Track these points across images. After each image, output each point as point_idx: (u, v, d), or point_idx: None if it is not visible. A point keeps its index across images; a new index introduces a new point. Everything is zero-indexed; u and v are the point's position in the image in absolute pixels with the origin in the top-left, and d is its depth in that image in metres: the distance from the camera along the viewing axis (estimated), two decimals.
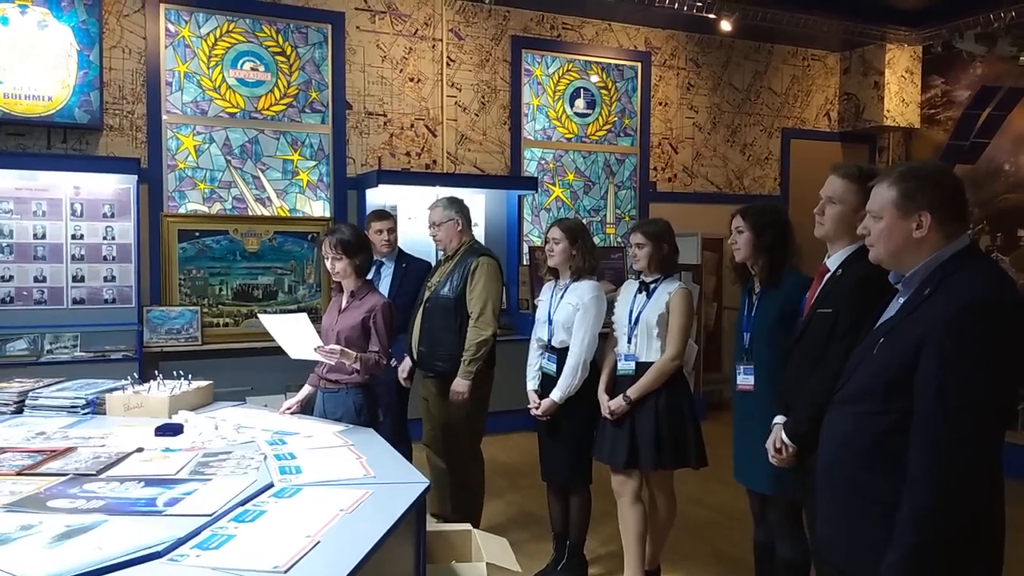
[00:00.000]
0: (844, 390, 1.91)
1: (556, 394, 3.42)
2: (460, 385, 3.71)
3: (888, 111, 8.13)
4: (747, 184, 8.24)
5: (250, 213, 6.16)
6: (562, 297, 3.51)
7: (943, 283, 1.74)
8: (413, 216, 6.19)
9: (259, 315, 3.39)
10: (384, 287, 4.24)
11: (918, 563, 1.63)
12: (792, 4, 7.21)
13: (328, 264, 3.31)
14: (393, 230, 4.37)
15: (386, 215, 4.42)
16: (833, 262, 2.47)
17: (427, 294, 3.92)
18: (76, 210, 5.46)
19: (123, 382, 3.31)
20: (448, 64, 6.83)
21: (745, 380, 2.90)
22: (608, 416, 3.30)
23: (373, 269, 4.11)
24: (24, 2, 5.33)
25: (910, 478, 1.66)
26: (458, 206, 3.93)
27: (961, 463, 1.62)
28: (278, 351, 3.33)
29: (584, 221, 6.46)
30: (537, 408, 3.49)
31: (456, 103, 6.88)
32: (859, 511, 1.82)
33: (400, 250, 4.45)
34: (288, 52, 6.31)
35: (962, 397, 1.62)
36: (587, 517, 3.60)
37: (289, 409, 3.27)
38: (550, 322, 3.53)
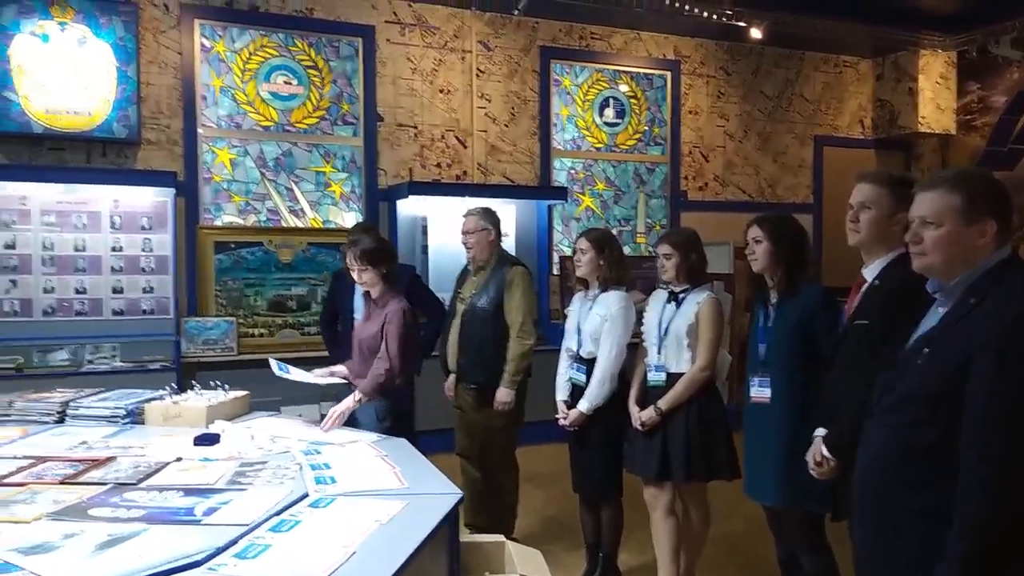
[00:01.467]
0: (884, 401, 1.88)
1: (584, 405, 3.42)
2: (505, 395, 3.75)
3: (923, 117, 8.02)
4: (780, 192, 8.17)
5: (284, 225, 6.25)
6: (591, 308, 3.52)
7: (990, 293, 1.70)
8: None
9: (270, 359, 3.48)
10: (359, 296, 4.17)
11: (973, 570, 1.60)
12: (823, 11, 7.15)
13: (355, 276, 3.32)
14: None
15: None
16: (870, 272, 2.43)
17: (462, 306, 3.94)
18: (115, 223, 5.57)
19: (161, 392, 3.36)
20: (477, 75, 6.87)
21: (760, 392, 2.87)
22: (639, 427, 3.29)
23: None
24: (64, 20, 5.47)
25: (964, 485, 1.63)
26: (492, 217, 3.97)
27: (1017, 469, 1.60)
28: (313, 361, 3.38)
29: (614, 231, 6.47)
30: (566, 419, 3.49)
31: (486, 114, 6.92)
32: (890, 521, 1.79)
33: None
34: (320, 65, 6.40)
35: (1016, 403, 1.60)
36: (619, 528, 3.58)
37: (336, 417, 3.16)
38: (579, 333, 3.53)
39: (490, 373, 3.78)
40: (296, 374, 3.44)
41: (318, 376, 3.48)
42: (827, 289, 2.86)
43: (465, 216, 4.01)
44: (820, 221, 8.18)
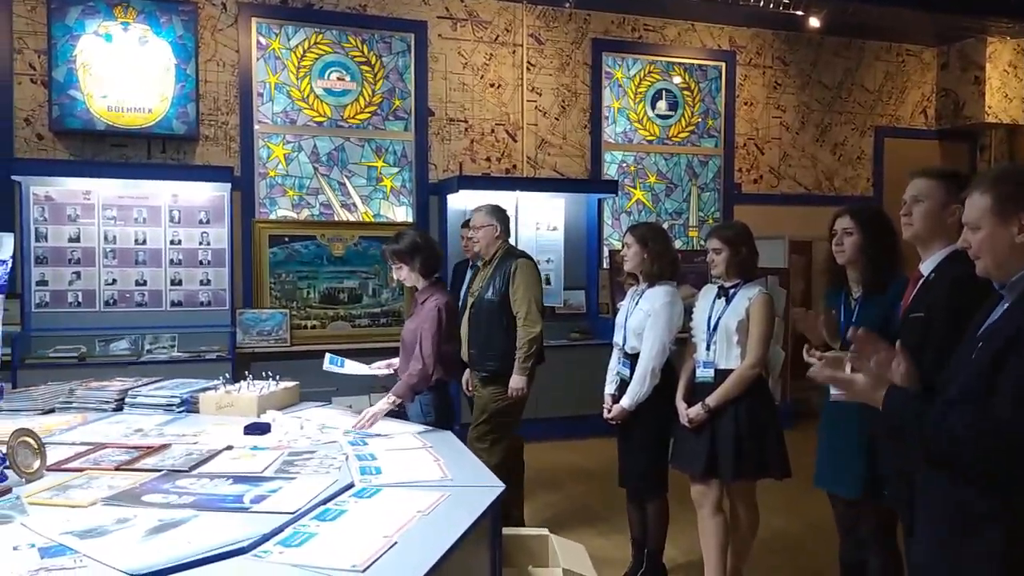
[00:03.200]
0: (944, 394, 1.82)
1: (626, 401, 3.40)
2: (518, 382, 3.87)
3: (990, 107, 7.74)
4: (838, 185, 7.98)
5: (336, 219, 6.33)
6: (637, 303, 3.49)
7: None
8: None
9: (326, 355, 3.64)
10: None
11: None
12: None
13: (395, 275, 3.44)
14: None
15: (467, 223, 4.64)
16: (927, 267, 2.37)
17: (471, 300, 4.08)
18: (174, 217, 5.72)
19: (215, 382, 3.45)
20: (528, 69, 6.86)
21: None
22: (687, 424, 3.25)
23: (471, 272, 4.42)
24: (126, 20, 5.63)
25: (969, 421, 1.62)
26: (499, 214, 4.10)
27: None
28: (363, 353, 3.44)
29: (665, 225, 6.40)
30: (610, 412, 3.47)
31: (536, 107, 6.90)
32: (944, 520, 1.74)
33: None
34: (373, 61, 6.46)
35: None
36: (665, 525, 3.54)
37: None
38: (625, 328, 3.51)
39: (499, 361, 3.92)
40: (351, 367, 3.54)
41: (375, 368, 3.60)
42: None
43: (472, 212, 4.16)
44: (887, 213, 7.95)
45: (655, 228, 3.58)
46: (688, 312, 3.49)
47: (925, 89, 8.26)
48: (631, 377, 3.41)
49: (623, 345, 3.50)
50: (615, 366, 3.59)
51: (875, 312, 2.71)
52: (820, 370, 1.90)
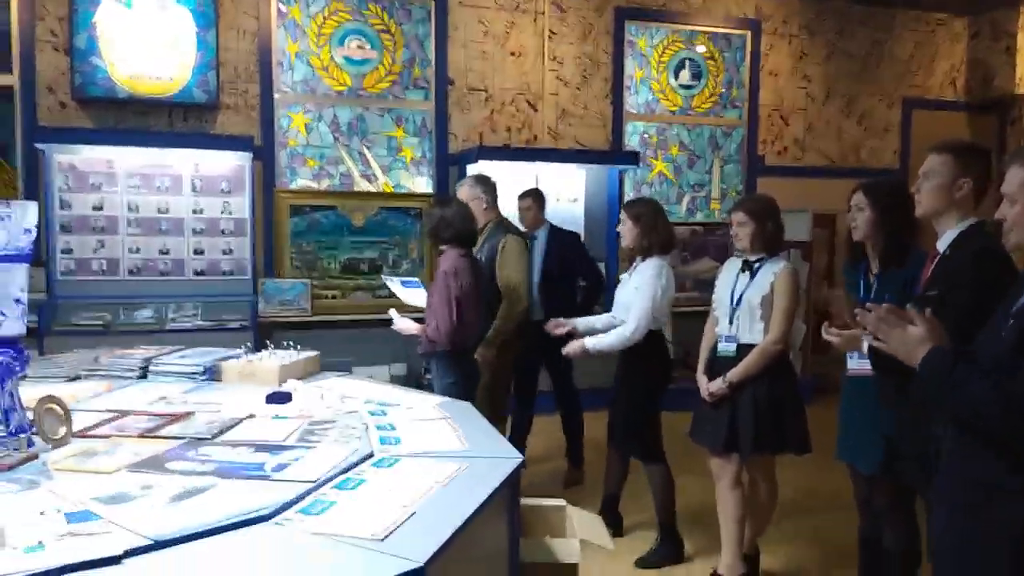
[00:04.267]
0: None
1: (589, 342, 3.55)
2: (483, 350, 3.84)
3: (1021, 79, 7.56)
4: (863, 157, 7.86)
5: (356, 189, 6.33)
6: (629, 277, 3.60)
7: None
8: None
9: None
10: (537, 256, 4.60)
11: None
12: None
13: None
14: (530, 208, 4.69)
15: (523, 195, 4.77)
16: (942, 243, 2.34)
17: None
18: (196, 186, 5.74)
19: (238, 351, 3.47)
20: (550, 37, 6.77)
21: (861, 364, 2.77)
22: (707, 399, 3.24)
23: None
24: None
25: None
26: (485, 184, 4.10)
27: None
28: (383, 323, 3.51)
29: (686, 197, 6.39)
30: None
31: (557, 77, 6.83)
32: (963, 493, 1.74)
33: (551, 225, 4.79)
34: (392, 30, 6.41)
35: None
36: (669, 494, 3.58)
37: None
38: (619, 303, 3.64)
39: (483, 336, 3.91)
40: (409, 296, 3.92)
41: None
42: None
43: (458, 185, 4.23)
44: (907, 186, 7.83)
45: (649, 203, 3.65)
46: (708, 285, 3.50)
47: (955, 60, 8.08)
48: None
49: (616, 319, 3.62)
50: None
51: (893, 287, 2.68)
52: (879, 317, 1.78)
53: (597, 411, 4.13)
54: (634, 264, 3.63)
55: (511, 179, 6.26)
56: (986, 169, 2.33)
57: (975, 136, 7.92)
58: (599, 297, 4.83)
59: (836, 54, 7.69)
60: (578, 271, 4.73)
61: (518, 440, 4.48)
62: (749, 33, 7.40)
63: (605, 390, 3.86)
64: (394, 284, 4.04)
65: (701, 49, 7.31)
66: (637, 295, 3.46)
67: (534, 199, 4.79)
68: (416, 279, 4.09)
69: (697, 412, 3.36)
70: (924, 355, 1.71)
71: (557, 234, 4.77)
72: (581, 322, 3.76)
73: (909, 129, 7.97)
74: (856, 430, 2.82)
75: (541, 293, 4.57)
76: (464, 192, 4.04)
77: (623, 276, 3.75)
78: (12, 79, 5.58)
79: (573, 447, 4.65)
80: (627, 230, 3.56)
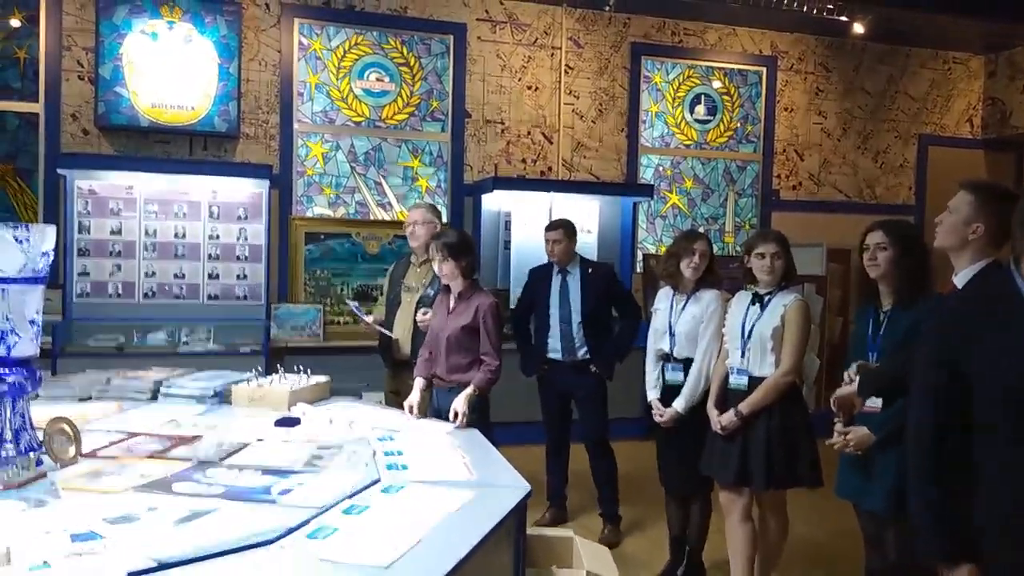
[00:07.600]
0: None
1: (680, 404, 3.44)
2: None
3: None
4: (879, 193, 7.84)
5: (372, 218, 6.38)
6: (684, 308, 3.52)
7: None
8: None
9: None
10: (574, 293, 4.31)
11: None
12: (931, 6, 6.80)
13: (436, 267, 3.46)
14: (560, 240, 4.33)
15: (553, 226, 4.41)
16: (960, 280, 2.33)
17: (408, 296, 4.04)
18: (213, 212, 5.80)
19: (248, 375, 3.49)
20: (567, 72, 6.85)
21: (872, 402, 2.75)
22: (719, 431, 3.21)
23: (559, 277, 4.34)
24: (172, 19, 5.73)
25: None
26: (438, 213, 4.19)
27: None
28: None
29: (700, 230, 6.37)
30: (662, 416, 3.49)
31: (573, 110, 6.89)
32: None
33: (581, 258, 4.47)
34: (412, 63, 6.50)
35: None
36: (707, 523, 3.60)
37: (412, 411, 3.29)
38: (671, 334, 3.52)
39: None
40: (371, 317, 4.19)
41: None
42: (943, 298, 2.74)
43: (413, 208, 4.18)
44: (922, 224, 7.81)
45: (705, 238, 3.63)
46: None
47: (972, 98, 8.08)
48: (683, 382, 3.46)
49: (671, 351, 3.53)
50: (655, 370, 3.60)
51: (902, 326, 2.68)
52: None
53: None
54: (677, 294, 3.55)
55: (525, 210, 6.31)
56: (1009, 213, 2.32)
57: (991, 174, 7.90)
58: (637, 334, 4.42)
59: (852, 91, 7.71)
60: (614, 305, 4.42)
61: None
62: (765, 69, 7.45)
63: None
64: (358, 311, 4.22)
65: (717, 84, 7.36)
66: (704, 328, 3.43)
67: (565, 231, 4.36)
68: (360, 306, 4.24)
69: (708, 445, 3.33)
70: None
71: (591, 268, 4.44)
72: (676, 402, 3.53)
73: (925, 166, 7.95)
74: (866, 468, 2.78)
75: (586, 335, 4.28)
76: (419, 214, 4.08)
77: (658, 308, 3.64)
78: (37, 107, 5.70)
79: (602, 494, 4.44)
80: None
